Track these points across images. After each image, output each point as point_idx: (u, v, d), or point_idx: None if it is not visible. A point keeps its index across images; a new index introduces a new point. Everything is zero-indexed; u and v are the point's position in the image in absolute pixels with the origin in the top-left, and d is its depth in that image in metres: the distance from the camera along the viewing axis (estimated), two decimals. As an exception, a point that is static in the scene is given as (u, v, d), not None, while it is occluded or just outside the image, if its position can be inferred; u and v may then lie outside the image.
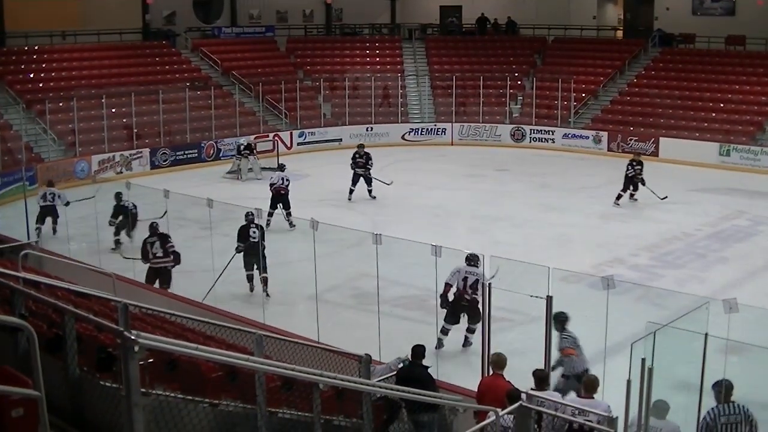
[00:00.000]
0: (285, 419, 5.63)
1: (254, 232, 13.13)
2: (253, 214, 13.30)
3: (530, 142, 28.08)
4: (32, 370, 3.57)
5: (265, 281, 13.15)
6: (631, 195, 19.67)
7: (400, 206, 19.72)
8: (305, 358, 7.37)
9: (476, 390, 7.78)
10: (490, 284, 8.90)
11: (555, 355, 9.08)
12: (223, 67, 29.10)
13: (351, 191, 20.06)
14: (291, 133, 27.56)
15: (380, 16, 35.33)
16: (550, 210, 19.29)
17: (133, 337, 3.63)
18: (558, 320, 9.04)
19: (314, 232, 10.60)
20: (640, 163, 19.70)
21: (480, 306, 9.77)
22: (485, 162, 25.24)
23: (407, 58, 31.96)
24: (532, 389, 7.10)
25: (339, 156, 20.81)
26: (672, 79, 28.14)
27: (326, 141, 27.77)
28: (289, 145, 27.06)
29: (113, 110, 24.66)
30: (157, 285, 12.67)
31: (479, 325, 9.68)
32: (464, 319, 11.34)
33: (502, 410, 6.09)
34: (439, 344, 11.22)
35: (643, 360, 5.92)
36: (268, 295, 13.09)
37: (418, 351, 7.87)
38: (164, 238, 12.80)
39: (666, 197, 19.34)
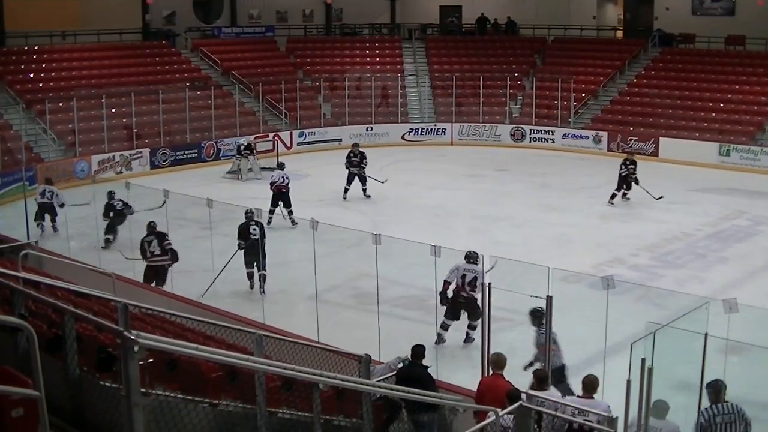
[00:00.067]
0: (285, 419, 5.63)
1: (254, 230, 13.20)
2: (252, 212, 13.38)
3: (530, 142, 28.08)
4: (32, 370, 3.57)
5: (262, 278, 13.25)
6: (624, 194, 19.69)
7: (400, 206, 19.72)
8: (305, 358, 7.37)
9: (476, 390, 7.78)
10: (490, 284, 8.91)
11: (533, 350, 9.21)
12: (223, 67, 29.10)
13: (346, 190, 20.18)
14: (291, 133, 27.56)
15: (380, 16, 35.33)
16: (550, 210, 19.29)
17: (132, 337, 3.63)
18: (535, 316, 9.21)
19: (314, 232, 10.60)
20: (634, 163, 19.75)
21: (479, 303, 9.81)
22: (485, 162, 25.24)
23: (407, 58, 31.96)
24: (531, 389, 7.10)
25: (339, 156, 20.84)
26: (672, 79, 28.14)
27: (326, 141, 27.77)
28: (289, 145, 27.06)
29: (113, 110, 24.66)
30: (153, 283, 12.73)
31: (480, 324, 9.68)
32: (465, 316, 11.42)
33: (502, 410, 6.09)
34: (439, 339, 11.35)
35: (643, 360, 5.92)
36: (263, 292, 13.19)
37: (418, 351, 7.88)
38: (161, 237, 12.86)
39: (662, 197, 19.33)
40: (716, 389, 6.85)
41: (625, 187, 19.59)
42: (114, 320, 5.84)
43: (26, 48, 26.22)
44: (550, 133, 27.93)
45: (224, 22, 32.18)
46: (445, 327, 11.38)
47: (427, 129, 28.87)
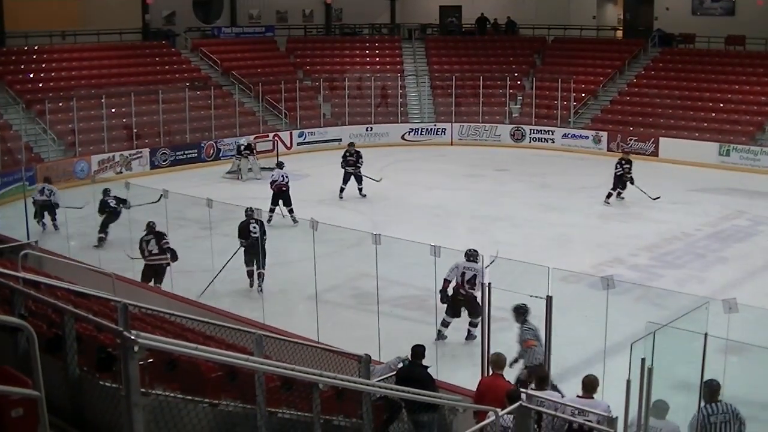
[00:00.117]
0: (285, 419, 5.63)
1: (254, 228, 13.29)
2: (252, 210, 13.48)
3: (530, 142, 28.08)
4: (32, 370, 3.58)
5: (261, 277, 13.34)
6: (619, 194, 19.71)
7: (400, 206, 19.73)
8: (305, 358, 7.37)
9: (475, 390, 7.78)
10: (489, 284, 8.91)
11: (516, 347, 9.23)
12: (223, 67, 29.09)
13: (342, 189, 20.25)
14: (291, 133, 27.56)
15: (380, 16, 35.34)
16: (550, 210, 19.29)
17: (132, 337, 3.63)
18: (518, 312, 9.26)
19: (314, 232, 10.60)
20: (629, 162, 19.80)
21: (479, 300, 9.84)
22: (485, 162, 25.24)
23: (407, 58, 31.97)
24: (531, 389, 7.10)
25: (339, 156, 20.85)
26: (672, 79, 28.15)
27: (326, 141, 27.76)
28: (288, 145, 27.06)
29: (113, 110, 24.66)
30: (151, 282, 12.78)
31: (480, 324, 9.69)
32: (466, 314, 11.47)
33: (502, 410, 6.09)
34: (440, 336, 11.42)
35: (643, 360, 5.92)
36: (261, 290, 13.29)
37: (418, 351, 7.88)
38: (160, 236, 12.92)
39: (659, 197, 19.33)
40: (711, 389, 6.85)
41: (620, 186, 19.61)
42: (114, 320, 5.84)
43: (26, 48, 26.22)
44: (550, 133, 27.93)
45: (224, 22, 32.19)
46: (445, 324, 11.48)
47: (427, 129, 28.88)
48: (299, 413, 5.71)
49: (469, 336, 11.46)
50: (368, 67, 30.97)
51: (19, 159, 20.07)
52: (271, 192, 17.82)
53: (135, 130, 24.42)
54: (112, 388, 4.47)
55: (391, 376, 7.89)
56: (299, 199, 18.32)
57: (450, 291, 11.33)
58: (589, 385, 6.94)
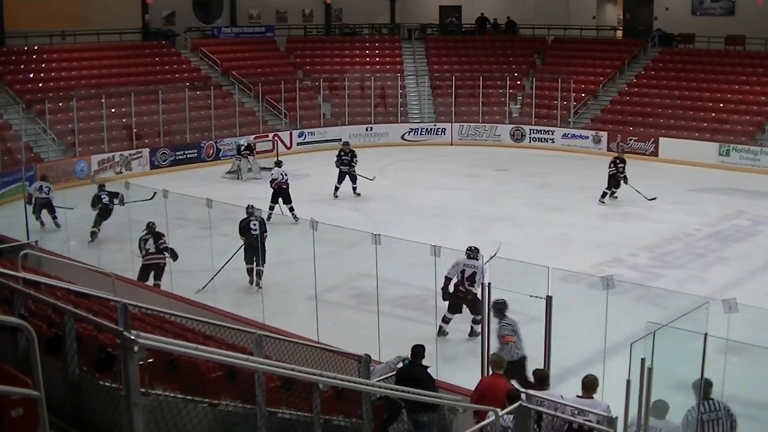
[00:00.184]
0: (284, 419, 5.63)
1: (254, 225, 13.41)
2: (253, 208, 13.64)
3: (530, 142, 28.08)
4: (32, 370, 3.57)
5: (259, 274, 13.44)
6: (612, 193, 19.72)
7: (400, 206, 19.73)
8: (305, 358, 7.37)
9: (473, 390, 7.78)
10: (489, 284, 8.91)
11: (495, 342, 9.26)
12: (223, 67, 29.09)
13: (336, 188, 20.38)
14: (291, 133, 27.57)
15: (380, 16, 35.33)
16: (550, 210, 19.29)
17: (132, 337, 3.63)
18: (497, 308, 9.33)
19: (314, 232, 10.61)
20: (623, 161, 19.84)
21: (479, 297, 9.87)
22: (485, 162, 25.24)
23: (407, 58, 31.97)
24: (531, 389, 7.09)
25: (339, 156, 20.90)
26: (672, 79, 28.15)
27: (326, 141, 27.74)
28: (288, 145, 27.07)
29: (113, 110, 24.66)
30: (151, 281, 12.87)
31: (480, 324, 9.70)
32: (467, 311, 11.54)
33: (502, 410, 6.09)
34: (441, 332, 11.50)
35: (643, 360, 5.91)
36: (259, 287, 13.38)
37: (418, 351, 7.88)
38: (157, 236, 12.99)
39: (654, 198, 19.33)
40: (703, 387, 6.84)
41: (613, 185, 19.64)
42: (114, 320, 5.84)
43: (26, 48, 26.22)
44: (550, 133, 27.93)
45: (224, 22, 32.19)
46: (446, 320, 11.57)
47: (427, 129, 28.88)
48: (299, 413, 5.71)
49: (472, 333, 11.50)
50: (368, 67, 30.97)
51: (19, 159, 20.07)
52: (271, 190, 17.93)
53: (135, 130, 24.42)
54: (111, 388, 4.47)
55: (391, 376, 7.89)
56: (299, 199, 18.37)
57: (451, 288, 11.40)
58: (589, 385, 6.93)
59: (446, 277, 11.27)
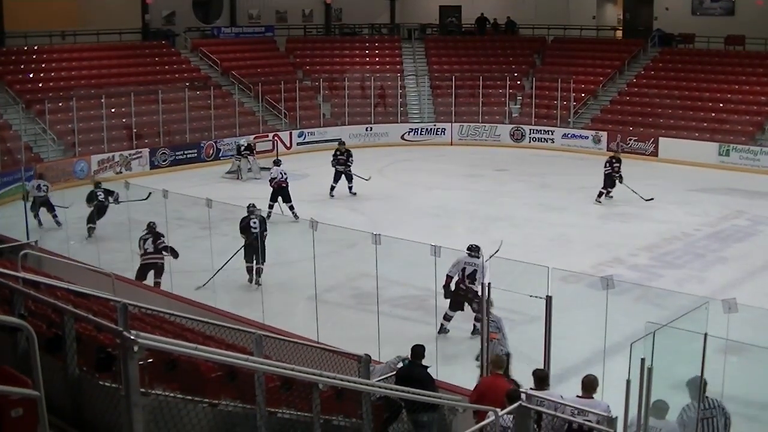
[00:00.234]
0: (284, 419, 5.63)
1: (254, 223, 13.49)
2: (255, 207, 13.76)
3: (530, 142, 28.09)
4: (32, 370, 3.57)
5: (259, 272, 13.54)
6: (607, 192, 19.74)
7: (400, 206, 19.73)
8: (305, 358, 7.37)
9: (473, 390, 7.78)
10: (489, 284, 8.91)
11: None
12: (223, 67, 29.09)
13: (332, 188, 20.44)
14: (290, 133, 27.57)
15: (380, 16, 35.33)
16: (550, 210, 19.30)
17: (132, 337, 3.62)
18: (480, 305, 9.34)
19: (314, 232, 10.61)
20: (619, 161, 19.87)
21: (480, 295, 9.90)
22: (485, 162, 25.24)
23: (407, 58, 31.96)
24: (531, 389, 7.09)
25: (339, 156, 20.92)
26: (671, 79, 28.15)
27: (326, 141, 27.72)
28: (288, 145, 27.07)
29: (113, 110, 24.66)
30: (151, 281, 12.92)
31: (480, 323, 9.70)
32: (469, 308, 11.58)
33: (502, 410, 6.09)
34: (442, 329, 11.57)
35: (643, 360, 5.91)
36: (259, 284, 13.45)
37: (418, 351, 7.88)
38: (157, 236, 13.06)
39: (651, 199, 19.32)
40: (696, 386, 6.84)
41: (609, 185, 19.66)
42: (113, 320, 5.84)
43: (26, 48, 26.22)
44: (550, 133, 27.94)
45: (224, 22, 32.18)
46: (447, 318, 11.62)
47: (427, 129, 28.88)
48: (299, 413, 5.70)
49: (475, 330, 11.51)
50: (368, 67, 30.97)
51: (19, 159, 20.08)
52: (271, 189, 18.03)
53: (135, 130, 24.42)
54: (111, 388, 4.47)
55: (390, 376, 7.89)
56: (299, 198, 18.41)
57: (453, 286, 11.46)
58: (589, 385, 6.93)
59: (447, 275, 11.34)
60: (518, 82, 30.09)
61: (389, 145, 27.78)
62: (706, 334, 6.43)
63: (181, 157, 24.98)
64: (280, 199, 17.91)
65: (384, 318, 10.67)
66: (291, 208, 17.78)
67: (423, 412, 7.21)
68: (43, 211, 17.36)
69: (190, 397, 4.79)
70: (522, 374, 8.76)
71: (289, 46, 32.05)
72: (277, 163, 19.01)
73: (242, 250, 13.66)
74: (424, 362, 7.91)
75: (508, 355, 9.40)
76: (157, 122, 25.00)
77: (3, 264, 7.97)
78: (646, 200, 19.21)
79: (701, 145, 24.82)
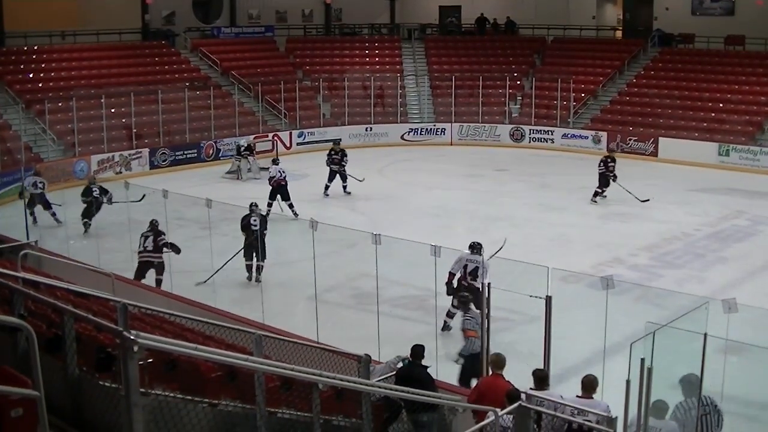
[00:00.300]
0: (284, 419, 5.63)
1: (255, 221, 13.60)
2: (256, 205, 13.96)
3: (529, 142, 28.08)
4: (31, 370, 3.57)
5: (259, 269, 13.64)
6: (601, 192, 19.76)
7: (400, 206, 19.73)
8: (304, 358, 7.37)
9: (473, 390, 7.78)
10: (489, 284, 8.91)
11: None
12: (223, 67, 29.09)
13: (327, 187, 20.54)
14: (290, 133, 27.57)
15: (379, 16, 35.33)
16: (550, 210, 19.30)
17: (132, 337, 3.62)
18: (461, 302, 9.58)
19: (314, 231, 10.61)
20: (614, 160, 19.90)
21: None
22: (484, 162, 25.24)
23: (406, 58, 31.96)
24: (531, 389, 7.09)
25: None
26: (671, 79, 28.15)
27: (326, 141, 27.65)
28: (288, 145, 27.07)
29: (112, 110, 24.66)
30: (150, 280, 12.96)
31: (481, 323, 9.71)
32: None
33: (502, 410, 6.09)
34: (445, 326, 11.62)
35: (643, 360, 5.91)
36: (258, 281, 13.54)
37: (418, 351, 7.88)
38: (158, 234, 13.13)
39: (648, 200, 19.31)
40: (690, 384, 6.85)
41: (603, 184, 19.69)
42: (113, 320, 5.84)
43: (26, 48, 26.22)
44: (550, 133, 27.94)
45: (224, 22, 32.18)
46: (450, 315, 11.64)
47: (427, 129, 28.88)
48: (299, 413, 5.70)
49: (445, 326, 11.63)
50: (368, 67, 30.97)
51: (19, 159, 20.07)
52: (270, 188, 18.17)
53: (134, 130, 24.42)
54: (111, 388, 4.47)
55: (390, 376, 7.89)
56: (299, 198, 18.44)
57: (455, 283, 11.51)
58: (589, 385, 6.93)
59: (450, 272, 11.42)
60: (518, 82, 30.09)
61: (389, 145, 27.78)
62: (705, 334, 6.43)
63: (180, 157, 24.98)
64: (278, 197, 17.99)
65: (384, 318, 10.67)
66: (290, 206, 17.90)
67: (423, 412, 7.21)
68: (39, 209, 17.38)
69: (190, 397, 4.79)
70: (522, 374, 8.76)
71: (289, 46, 32.05)
72: (275, 162, 19.14)
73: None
74: (424, 362, 7.91)
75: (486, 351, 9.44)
76: (157, 122, 24.99)
77: (3, 264, 7.97)
78: (642, 201, 19.21)
79: (701, 145, 24.82)
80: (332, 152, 20.59)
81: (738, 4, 29.73)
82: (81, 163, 22.78)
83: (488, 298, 8.97)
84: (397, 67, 31.28)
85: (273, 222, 16.77)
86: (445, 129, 28.79)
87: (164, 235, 13.11)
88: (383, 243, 9.88)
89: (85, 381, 4.70)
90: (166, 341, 4.14)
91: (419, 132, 28.82)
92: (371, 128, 28.50)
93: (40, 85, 25.19)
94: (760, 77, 26.71)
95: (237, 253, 13.73)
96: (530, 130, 28.24)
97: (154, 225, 13.20)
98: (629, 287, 12.11)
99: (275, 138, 26.34)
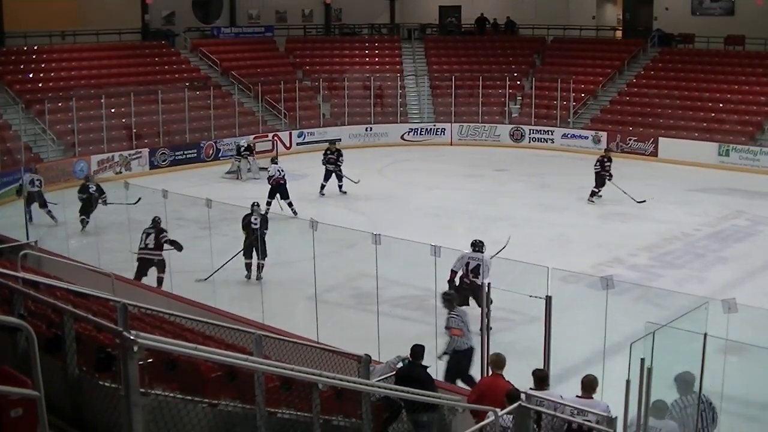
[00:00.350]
0: (284, 419, 5.63)
1: (255, 220, 13.68)
2: (258, 205, 14.06)
3: (529, 142, 28.09)
4: (31, 370, 3.57)
5: (260, 267, 13.71)
6: (598, 191, 19.76)
7: (400, 206, 19.74)
8: (304, 358, 7.37)
9: (472, 390, 7.78)
10: (489, 284, 8.92)
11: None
12: (223, 67, 29.09)
13: (323, 186, 20.62)
14: (290, 133, 27.57)
15: (379, 16, 35.33)
16: (550, 210, 19.30)
17: (132, 337, 3.62)
18: (446, 300, 9.59)
19: (314, 231, 10.61)
20: (610, 160, 19.91)
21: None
22: (484, 162, 25.24)
23: (406, 58, 31.97)
24: (531, 389, 7.09)
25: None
26: (671, 79, 28.16)
27: (325, 141, 27.61)
28: (288, 145, 27.07)
29: (112, 110, 24.66)
30: (154, 278, 12.97)
31: (478, 324, 9.70)
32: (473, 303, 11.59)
33: (502, 410, 6.09)
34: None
35: (643, 360, 5.91)
36: (258, 279, 13.64)
37: (418, 351, 7.88)
38: (159, 231, 13.15)
39: (644, 201, 19.30)
40: (685, 382, 6.85)
41: (599, 184, 19.69)
42: (113, 320, 5.84)
43: (25, 48, 26.22)
44: (550, 133, 27.94)
45: (223, 22, 32.18)
46: None
47: (427, 129, 28.88)
48: (299, 413, 5.70)
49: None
50: (368, 67, 30.97)
51: (19, 159, 20.07)
52: (269, 186, 18.29)
53: (134, 130, 24.43)
54: (111, 388, 4.47)
55: (390, 376, 7.89)
56: (298, 198, 18.48)
57: (457, 281, 11.53)
58: (589, 385, 6.93)
59: (452, 270, 11.46)
60: (518, 82, 30.09)
61: (389, 145, 27.78)
62: (705, 334, 6.43)
63: (180, 157, 24.98)
64: (278, 196, 18.07)
65: (384, 318, 10.67)
66: (290, 204, 18.01)
67: (423, 412, 7.20)
68: (35, 207, 17.39)
69: (189, 397, 4.79)
70: (522, 374, 8.76)
71: (289, 46, 32.05)
72: (273, 161, 19.27)
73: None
74: (424, 362, 7.91)
75: (471, 349, 9.45)
76: (157, 122, 25.00)
77: (3, 264, 7.97)
78: (638, 202, 19.20)
79: (701, 145, 24.82)
80: (328, 152, 20.72)
81: (738, 4, 29.74)
82: (81, 163, 22.77)
83: (488, 296, 9.01)
84: (397, 67, 31.28)
85: (272, 221, 16.79)
86: (444, 129, 28.80)
87: (166, 232, 13.12)
88: (383, 243, 9.88)
89: (85, 381, 4.70)
90: (166, 341, 4.14)
91: (419, 132, 28.82)
92: (371, 128, 28.50)
93: (40, 85, 25.19)
94: (760, 77, 26.71)
95: (238, 253, 13.75)
96: (530, 130, 28.24)
97: (156, 222, 13.22)
98: (629, 287, 12.11)
99: (275, 138, 26.34)
